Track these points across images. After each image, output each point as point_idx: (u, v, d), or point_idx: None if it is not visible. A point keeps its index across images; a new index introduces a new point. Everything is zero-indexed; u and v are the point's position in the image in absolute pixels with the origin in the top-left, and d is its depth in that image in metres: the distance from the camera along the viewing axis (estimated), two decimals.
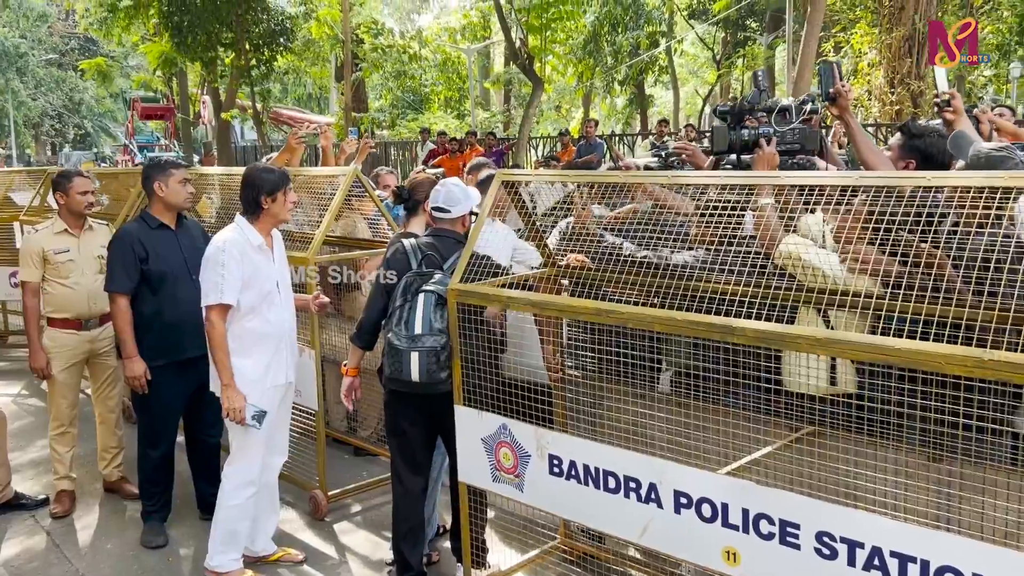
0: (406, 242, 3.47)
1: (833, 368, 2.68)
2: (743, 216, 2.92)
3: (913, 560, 2.09)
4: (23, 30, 40.89)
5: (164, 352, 3.98)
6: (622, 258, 3.08)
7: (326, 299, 3.97)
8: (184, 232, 4.13)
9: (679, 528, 2.57)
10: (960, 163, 3.02)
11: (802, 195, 2.59)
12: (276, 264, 3.67)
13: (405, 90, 26.22)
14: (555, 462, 2.89)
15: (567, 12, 18.46)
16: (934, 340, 2.05)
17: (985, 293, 2.14)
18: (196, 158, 23.68)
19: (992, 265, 2.12)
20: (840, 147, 6.69)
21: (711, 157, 3.51)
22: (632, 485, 2.67)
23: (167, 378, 4.00)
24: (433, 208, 3.50)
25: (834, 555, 2.23)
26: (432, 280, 3.26)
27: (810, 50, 13.06)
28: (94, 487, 4.84)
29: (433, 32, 27.13)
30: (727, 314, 2.39)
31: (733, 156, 3.34)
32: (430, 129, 19.43)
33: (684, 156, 3.70)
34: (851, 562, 2.20)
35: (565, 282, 3.36)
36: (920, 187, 2.37)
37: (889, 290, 2.36)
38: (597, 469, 2.77)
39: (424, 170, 5.35)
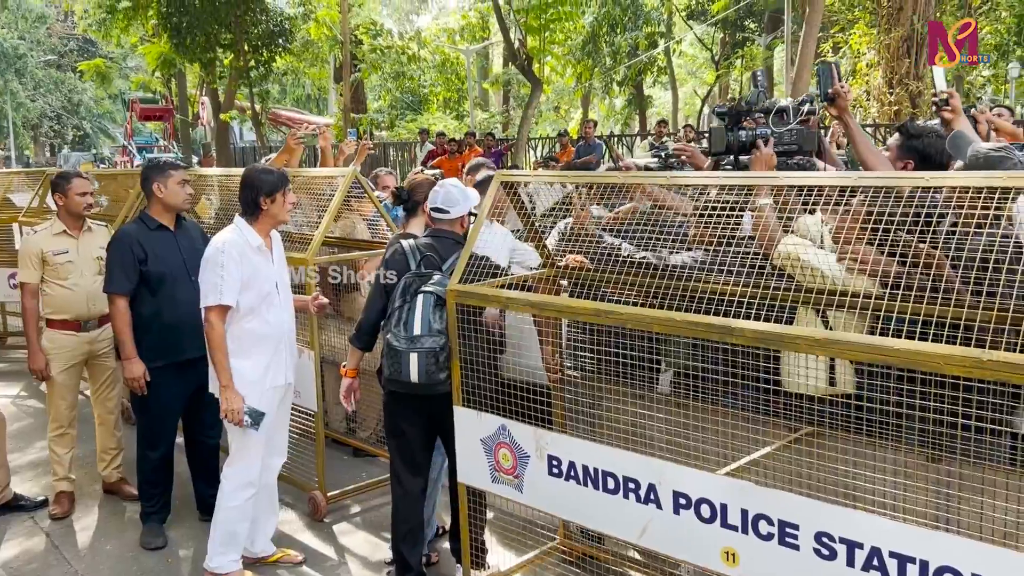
0: (405, 243, 3.47)
1: (832, 368, 2.68)
2: (742, 217, 2.92)
3: (912, 560, 2.09)
4: (22, 31, 40.90)
5: (163, 353, 3.98)
6: (621, 259, 3.08)
7: (325, 300, 3.97)
8: (183, 233, 4.13)
9: (678, 529, 2.57)
10: (959, 163, 3.03)
11: (801, 195, 2.59)
12: (275, 265, 3.66)
13: (404, 91, 26.22)
14: (554, 463, 2.89)
15: (566, 13, 18.47)
16: (933, 340, 2.05)
17: (984, 293, 2.14)
18: (195, 159, 23.65)
19: (991, 265, 2.13)
20: (838, 147, 6.69)
21: (711, 158, 3.51)
22: (631, 486, 2.67)
23: (166, 379, 4.00)
24: (432, 209, 3.50)
25: (833, 555, 2.23)
26: (431, 281, 3.26)
27: (808, 51, 13.08)
28: (93, 488, 4.84)
29: (432, 33, 27.13)
30: (726, 315, 2.39)
31: (732, 157, 3.34)
32: (429, 130, 19.44)
33: (684, 158, 3.70)
34: (850, 562, 2.20)
35: (564, 283, 3.37)
36: (919, 187, 2.37)
37: (888, 290, 2.36)
38: (596, 470, 2.77)
39: (422, 171, 5.36)
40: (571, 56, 23.44)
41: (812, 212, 2.82)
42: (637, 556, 3.54)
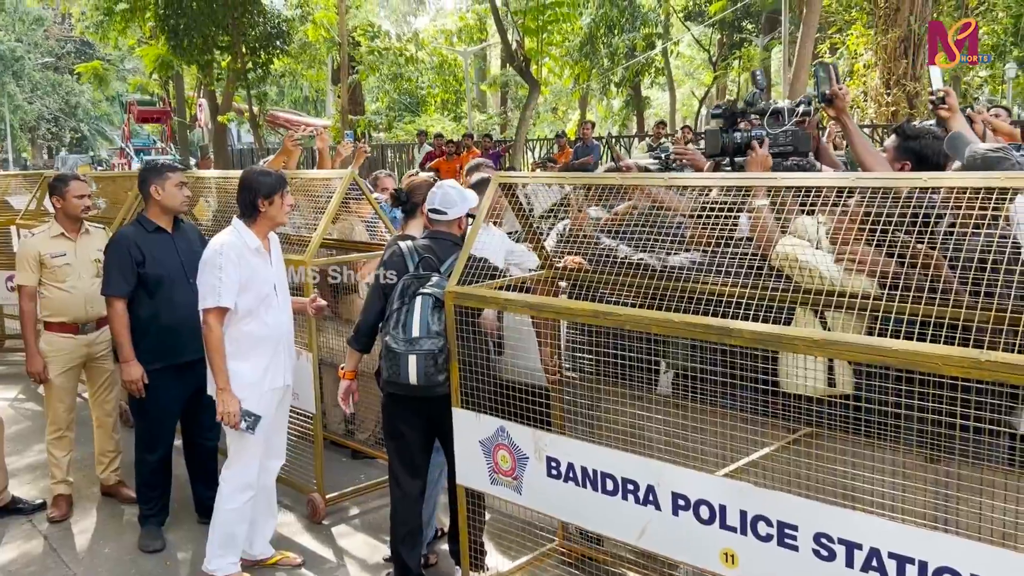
0: (403, 244, 3.47)
1: (830, 369, 2.68)
2: (739, 218, 2.92)
3: (911, 561, 2.09)
4: (19, 33, 40.89)
5: (161, 356, 3.98)
6: (619, 260, 3.08)
7: (323, 302, 3.97)
8: (181, 235, 4.13)
9: (677, 530, 2.57)
10: (956, 164, 3.03)
11: (798, 196, 2.59)
12: (273, 267, 3.66)
13: (402, 93, 26.20)
14: (553, 464, 2.89)
15: (563, 14, 18.49)
16: (931, 341, 2.05)
17: (982, 294, 2.14)
18: (192, 161, 23.61)
19: (988, 266, 2.13)
20: (836, 148, 6.70)
21: (710, 160, 3.51)
22: (630, 487, 2.67)
23: (164, 382, 3.99)
24: (429, 210, 3.50)
25: (832, 556, 2.23)
26: (429, 283, 3.26)
27: (806, 51, 13.08)
28: (91, 491, 4.83)
29: (429, 34, 27.12)
30: (724, 316, 2.39)
31: (729, 158, 3.34)
32: (427, 131, 19.44)
33: (684, 160, 3.70)
34: (849, 563, 2.20)
35: (563, 284, 3.37)
36: (917, 188, 2.37)
37: (886, 291, 2.36)
38: (595, 471, 2.77)
39: (418, 173, 5.36)
40: (569, 57, 23.45)
41: (811, 213, 2.82)
42: (636, 558, 3.53)
